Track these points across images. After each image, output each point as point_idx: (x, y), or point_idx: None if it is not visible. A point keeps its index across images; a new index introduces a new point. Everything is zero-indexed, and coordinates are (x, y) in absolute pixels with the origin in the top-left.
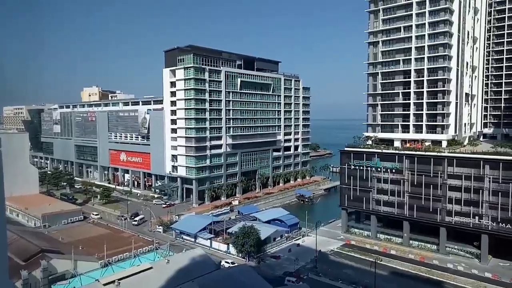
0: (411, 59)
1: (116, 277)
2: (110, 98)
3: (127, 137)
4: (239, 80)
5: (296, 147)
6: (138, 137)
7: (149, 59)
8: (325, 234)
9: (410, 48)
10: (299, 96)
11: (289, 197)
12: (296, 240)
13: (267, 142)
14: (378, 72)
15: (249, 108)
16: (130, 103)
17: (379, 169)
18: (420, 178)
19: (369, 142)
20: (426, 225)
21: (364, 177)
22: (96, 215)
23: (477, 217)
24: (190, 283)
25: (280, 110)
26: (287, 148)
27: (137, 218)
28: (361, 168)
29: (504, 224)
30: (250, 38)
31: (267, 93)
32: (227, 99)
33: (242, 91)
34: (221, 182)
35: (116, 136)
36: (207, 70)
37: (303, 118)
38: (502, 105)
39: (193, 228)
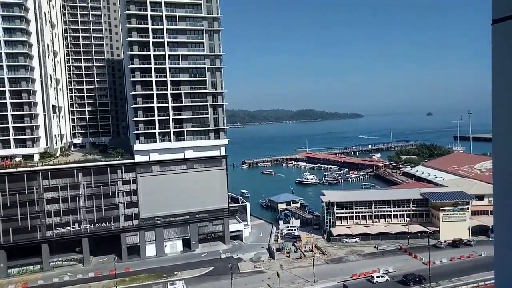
0: None
1: None
2: None
3: None
4: None
5: None
6: None
7: None
8: None
9: None
10: None
11: None
12: None
13: None
14: None
15: None
16: None
17: None
18: (13, 198)
19: None
20: (27, 247)
21: None
22: None
23: (76, 224)
24: None
25: None
26: None
27: None
28: None
29: (99, 223)
30: None
31: None
32: None
33: None
34: None
35: None
36: None
37: None
38: (87, 116)
39: None
